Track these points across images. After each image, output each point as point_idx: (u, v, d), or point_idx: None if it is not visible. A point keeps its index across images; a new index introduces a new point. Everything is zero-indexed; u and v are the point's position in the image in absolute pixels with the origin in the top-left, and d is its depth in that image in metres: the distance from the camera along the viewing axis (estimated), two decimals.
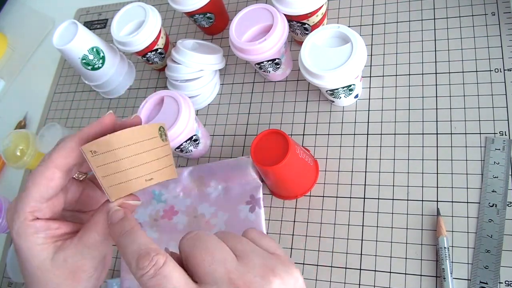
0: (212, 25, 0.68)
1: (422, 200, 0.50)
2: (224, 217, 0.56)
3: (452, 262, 0.46)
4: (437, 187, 0.50)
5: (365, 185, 0.53)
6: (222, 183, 0.58)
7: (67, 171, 0.33)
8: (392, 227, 0.50)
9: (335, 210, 0.53)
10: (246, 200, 0.56)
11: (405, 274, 0.47)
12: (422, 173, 0.51)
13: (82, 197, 0.36)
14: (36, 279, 0.32)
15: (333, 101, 0.57)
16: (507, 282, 0.44)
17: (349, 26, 0.52)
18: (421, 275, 0.47)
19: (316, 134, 0.58)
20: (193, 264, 0.28)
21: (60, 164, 0.32)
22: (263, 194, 0.56)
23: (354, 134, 0.56)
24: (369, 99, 0.57)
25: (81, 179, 0.36)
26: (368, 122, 0.56)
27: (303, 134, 0.59)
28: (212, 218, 0.56)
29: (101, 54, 0.66)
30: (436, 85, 0.55)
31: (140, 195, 0.56)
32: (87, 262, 0.33)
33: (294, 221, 0.54)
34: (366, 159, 0.54)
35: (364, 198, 0.52)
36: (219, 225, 0.56)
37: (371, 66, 0.59)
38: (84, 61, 0.65)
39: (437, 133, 0.52)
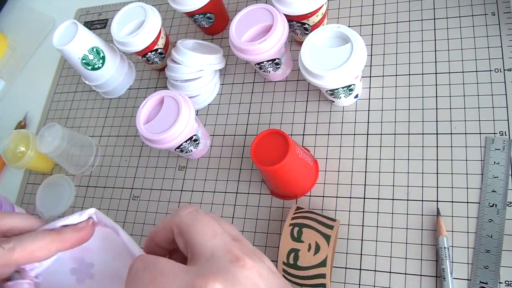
0: (212, 25, 0.68)
1: (422, 200, 0.50)
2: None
3: (452, 262, 0.46)
4: (437, 187, 0.50)
5: (365, 185, 0.53)
6: None
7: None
8: (392, 227, 0.50)
9: (335, 210, 0.53)
10: None
11: (405, 274, 0.47)
12: (422, 173, 0.51)
13: None
14: None
15: (333, 101, 0.57)
16: (507, 282, 0.44)
17: (349, 26, 0.52)
18: (421, 275, 0.47)
19: (316, 134, 0.58)
20: (192, 236, 0.28)
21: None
22: (263, 194, 0.57)
23: (354, 134, 0.56)
24: (369, 99, 0.57)
25: None
26: (368, 122, 0.56)
27: (303, 134, 0.59)
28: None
29: (101, 54, 0.66)
30: (436, 85, 0.55)
31: None
32: None
33: None
34: (366, 159, 0.54)
35: (364, 198, 0.52)
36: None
37: (371, 66, 0.59)
38: (84, 61, 0.65)
39: (437, 133, 0.52)
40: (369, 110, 0.57)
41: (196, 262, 0.27)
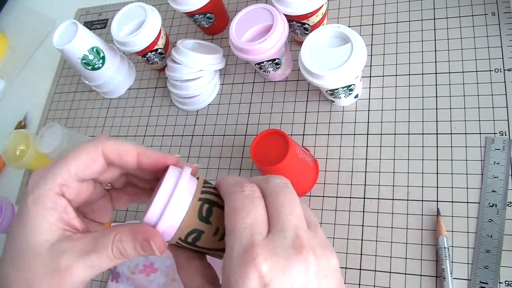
0: (212, 25, 0.68)
1: (422, 200, 0.50)
2: None
3: (452, 262, 0.46)
4: (437, 187, 0.50)
5: (365, 185, 0.53)
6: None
7: (109, 165, 0.31)
8: (392, 227, 0.50)
9: (335, 210, 0.53)
10: None
11: (405, 274, 0.47)
12: (422, 173, 0.51)
13: (95, 204, 0.34)
14: (20, 257, 0.28)
15: (333, 101, 0.57)
16: (507, 282, 0.44)
17: (349, 26, 0.52)
18: (421, 275, 0.47)
19: (316, 134, 0.58)
20: (276, 206, 0.28)
21: (109, 153, 0.30)
22: None
23: (354, 134, 0.56)
24: (369, 99, 0.57)
25: (106, 188, 0.34)
26: (368, 122, 0.56)
27: (303, 134, 0.59)
28: None
29: (101, 54, 0.66)
30: (436, 85, 0.55)
31: None
32: (82, 269, 0.28)
33: None
34: (366, 159, 0.54)
35: (364, 198, 0.52)
36: None
37: (371, 66, 0.59)
38: (84, 61, 0.65)
39: (437, 133, 0.52)
40: (369, 110, 0.57)
41: (269, 231, 0.27)
